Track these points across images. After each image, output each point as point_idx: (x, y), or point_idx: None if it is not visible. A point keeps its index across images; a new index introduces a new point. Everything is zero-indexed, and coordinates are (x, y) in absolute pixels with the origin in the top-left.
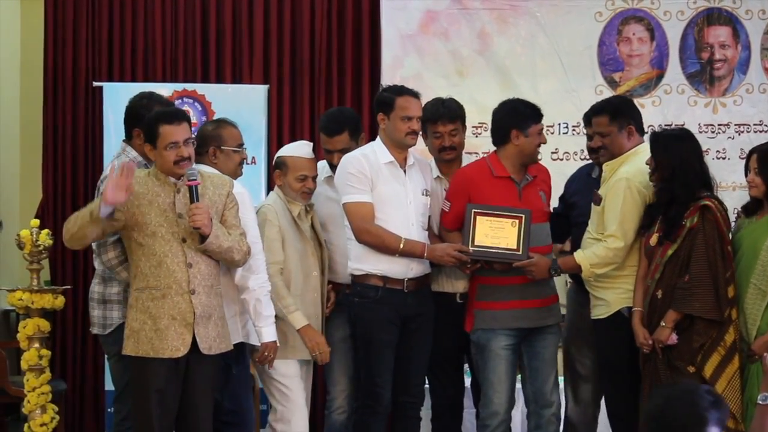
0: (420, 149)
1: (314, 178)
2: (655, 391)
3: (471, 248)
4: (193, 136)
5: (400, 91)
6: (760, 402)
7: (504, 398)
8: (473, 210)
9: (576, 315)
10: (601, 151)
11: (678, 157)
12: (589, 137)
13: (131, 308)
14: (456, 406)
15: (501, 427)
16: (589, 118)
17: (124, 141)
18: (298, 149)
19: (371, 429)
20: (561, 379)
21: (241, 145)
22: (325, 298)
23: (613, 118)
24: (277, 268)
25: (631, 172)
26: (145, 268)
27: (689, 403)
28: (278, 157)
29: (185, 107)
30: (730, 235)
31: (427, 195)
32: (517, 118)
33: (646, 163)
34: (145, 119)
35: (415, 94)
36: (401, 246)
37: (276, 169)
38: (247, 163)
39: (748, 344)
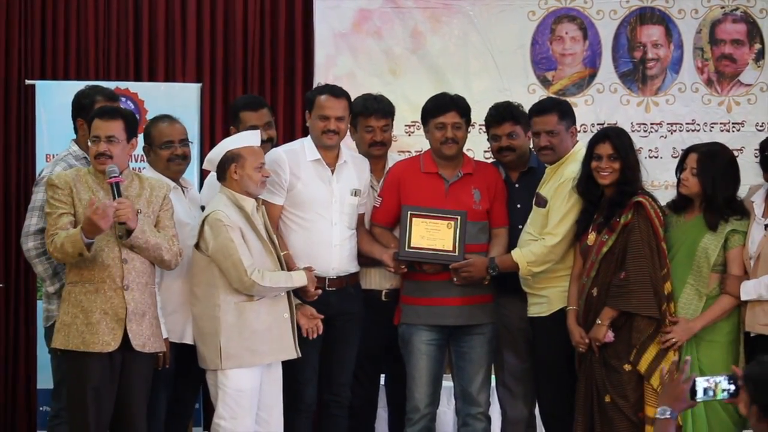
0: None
1: (266, 164)
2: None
3: (407, 249)
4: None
5: (322, 90)
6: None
7: (424, 393)
8: (409, 212)
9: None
10: (545, 151)
11: (635, 154)
12: (497, 137)
13: (64, 302)
14: (371, 403)
15: (422, 422)
16: (504, 116)
17: (72, 140)
18: (250, 138)
19: (295, 427)
20: (494, 377)
21: (170, 142)
22: (292, 297)
23: (562, 118)
24: (253, 270)
25: (576, 172)
26: (80, 262)
27: None
28: (229, 152)
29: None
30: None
31: (356, 195)
32: (423, 113)
33: (596, 162)
34: (86, 110)
35: (337, 94)
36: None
37: (230, 164)
38: None
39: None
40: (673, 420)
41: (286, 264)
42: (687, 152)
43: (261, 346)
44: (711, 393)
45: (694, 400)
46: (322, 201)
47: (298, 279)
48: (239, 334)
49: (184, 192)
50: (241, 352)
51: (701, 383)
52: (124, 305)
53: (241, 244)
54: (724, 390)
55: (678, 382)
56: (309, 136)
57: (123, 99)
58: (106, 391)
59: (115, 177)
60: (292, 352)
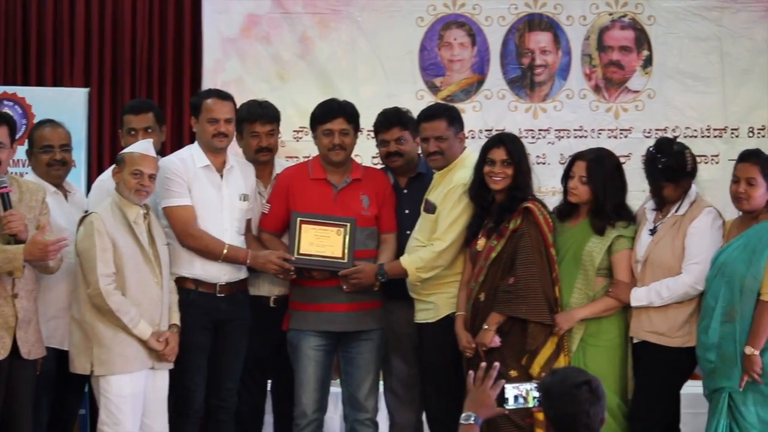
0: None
1: (151, 176)
2: (554, 372)
3: (296, 256)
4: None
5: (208, 93)
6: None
7: (311, 399)
8: (298, 218)
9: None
10: (435, 156)
11: (528, 160)
12: (385, 143)
13: None
14: (258, 410)
15: (309, 427)
16: (392, 121)
17: None
18: (137, 146)
19: None
20: (382, 383)
21: (50, 146)
22: (165, 306)
23: (451, 124)
24: (110, 281)
25: (466, 178)
26: None
27: (570, 401)
28: (119, 154)
29: (5, 110)
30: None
31: (245, 200)
32: (311, 120)
33: (490, 167)
34: None
35: (223, 97)
36: (225, 251)
37: (114, 166)
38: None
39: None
40: (477, 425)
41: (264, 245)
42: (573, 160)
43: (133, 353)
44: (522, 400)
45: (502, 406)
46: (214, 207)
47: (142, 330)
48: (111, 341)
49: (66, 197)
50: (112, 359)
51: (510, 390)
52: (15, 314)
53: (104, 250)
54: (534, 397)
55: (485, 388)
56: (195, 143)
57: (10, 104)
58: None
59: (4, 188)
60: (145, 363)
